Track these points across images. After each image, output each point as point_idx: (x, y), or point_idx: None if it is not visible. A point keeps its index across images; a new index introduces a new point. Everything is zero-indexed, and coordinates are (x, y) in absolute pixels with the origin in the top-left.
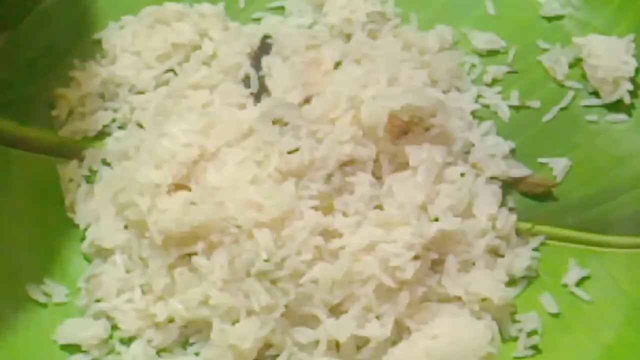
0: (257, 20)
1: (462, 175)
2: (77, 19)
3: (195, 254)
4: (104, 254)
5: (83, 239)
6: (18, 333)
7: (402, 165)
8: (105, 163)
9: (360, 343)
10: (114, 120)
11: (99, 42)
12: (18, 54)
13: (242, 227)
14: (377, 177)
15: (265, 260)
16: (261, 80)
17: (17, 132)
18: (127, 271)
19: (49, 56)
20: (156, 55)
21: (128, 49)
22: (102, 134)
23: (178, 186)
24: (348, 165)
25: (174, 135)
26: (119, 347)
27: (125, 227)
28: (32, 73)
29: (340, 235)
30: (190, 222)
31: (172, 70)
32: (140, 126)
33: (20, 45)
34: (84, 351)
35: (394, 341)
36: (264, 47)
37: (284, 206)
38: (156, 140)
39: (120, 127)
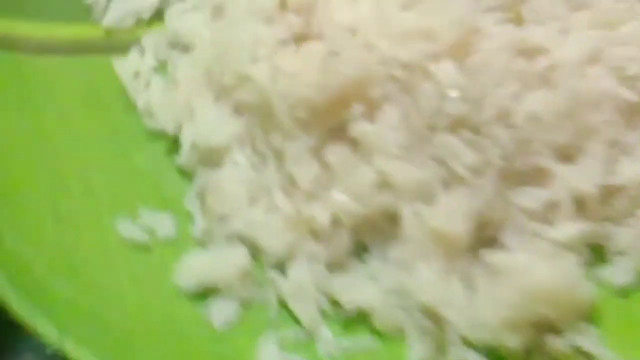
0: None
1: None
2: None
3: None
4: (214, 157)
5: (175, 149)
6: (126, 289)
7: None
8: (177, 46)
9: (610, 192)
10: None
11: None
12: None
13: (410, 67)
14: None
15: (458, 101)
16: None
17: (51, 34)
18: (256, 170)
19: None
20: None
21: None
22: (160, 11)
23: (300, 37)
24: None
25: None
26: (273, 275)
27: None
28: None
29: (546, 52)
30: (336, 82)
31: None
32: None
33: None
34: (225, 294)
35: None
36: None
37: (462, 24)
38: None
39: None
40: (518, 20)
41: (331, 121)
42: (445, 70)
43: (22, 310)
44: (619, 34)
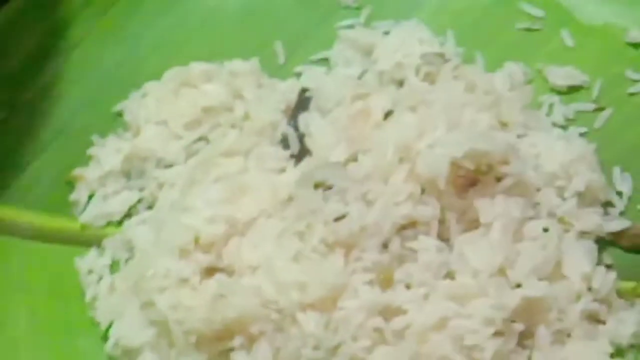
0: (299, 75)
1: (546, 230)
2: (95, 93)
3: (233, 348)
4: (131, 354)
5: (107, 339)
6: None
7: (474, 224)
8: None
9: None
10: (139, 201)
11: (120, 114)
12: (31, 135)
13: (284, 312)
14: (445, 239)
15: (314, 349)
16: (301, 139)
17: (34, 222)
18: None
19: (64, 135)
20: (184, 123)
21: (152, 118)
22: (128, 217)
23: (209, 270)
24: (408, 228)
25: (195, 210)
26: None
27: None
28: (47, 155)
29: (405, 312)
30: (222, 319)
31: (204, 138)
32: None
33: (33, 125)
34: None
35: None
36: (302, 102)
37: (332, 283)
38: (177, 218)
39: (149, 208)
40: (388, 283)
41: (218, 347)
42: (310, 320)
43: None
44: (467, 308)
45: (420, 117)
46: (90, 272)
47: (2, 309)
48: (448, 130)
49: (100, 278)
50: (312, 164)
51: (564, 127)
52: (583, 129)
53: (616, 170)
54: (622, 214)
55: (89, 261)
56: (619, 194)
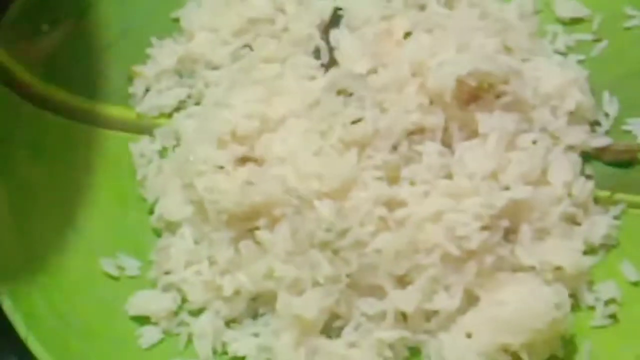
0: None
1: (535, 142)
2: (156, 0)
3: (259, 227)
4: (172, 227)
5: (152, 212)
6: (91, 306)
7: (474, 133)
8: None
9: (429, 313)
10: (189, 97)
11: (177, 20)
12: (96, 36)
13: (303, 199)
14: (448, 145)
15: (327, 231)
16: (331, 52)
17: (96, 110)
18: (195, 243)
19: (127, 36)
20: (232, 31)
21: (205, 26)
22: (178, 111)
23: (242, 159)
24: (416, 134)
25: (234, 106)
26: (187, 318)
27: (192, 201)
28: (110, 53)
29: (406, 205)
30: (250, 202)
31: (248, 45)
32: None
33: (98, 27)
34: (154, 323)
35: (464, 310)
36: (334, 19)
37: (345, 176)
38: (218, 112)
39: (197, 104)
40: (395, 179)
41: (245, 225)
42: (325, 207)
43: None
44: (461, 204)
45: (434, 39)
46: (142, 155)
47: (66, 186)
48: (458, 51)
49: (150, 161)
50: (337, 74)
51: (564, 54)
52: (581, 57)
53: (605, 94)
54: (607, 132)
55: (142, 146)
56: (606, 115)
